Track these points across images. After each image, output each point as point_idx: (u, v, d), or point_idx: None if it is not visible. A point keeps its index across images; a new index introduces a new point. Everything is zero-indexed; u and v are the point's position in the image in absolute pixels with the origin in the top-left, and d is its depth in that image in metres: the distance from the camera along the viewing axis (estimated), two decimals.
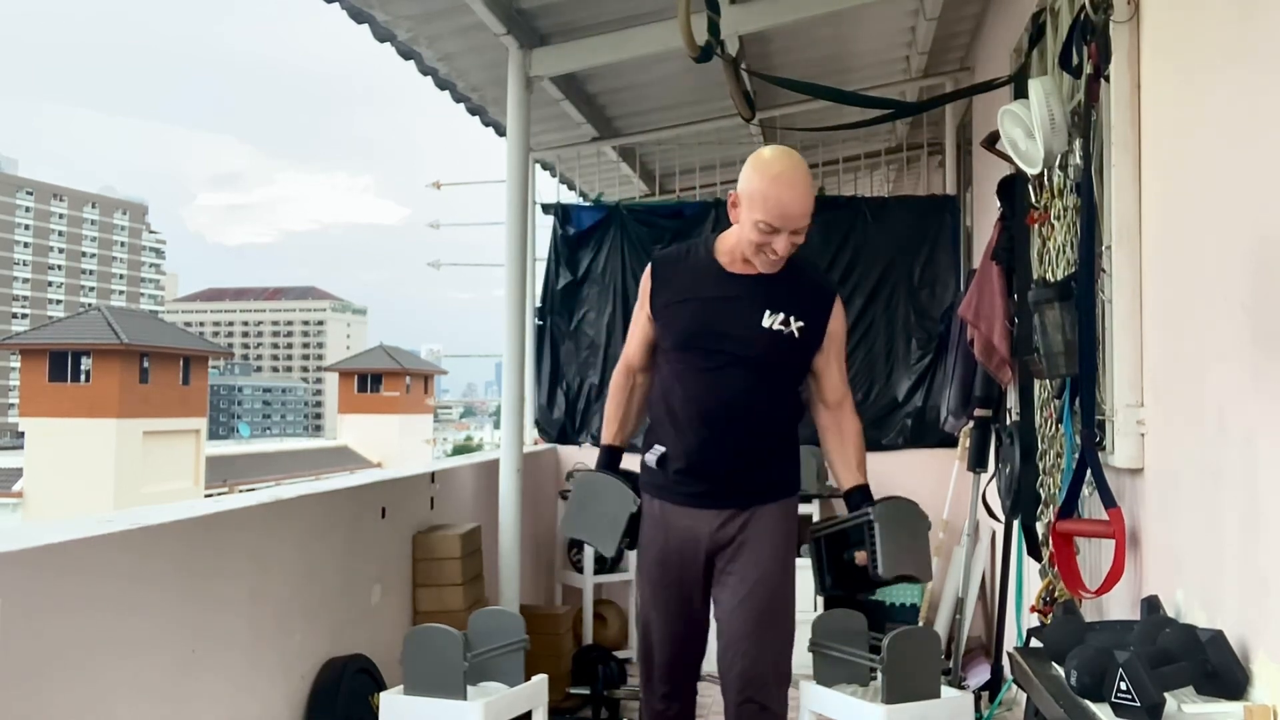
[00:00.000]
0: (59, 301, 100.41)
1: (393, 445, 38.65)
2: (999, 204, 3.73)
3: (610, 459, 2.85)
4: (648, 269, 2.79)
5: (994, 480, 3.65)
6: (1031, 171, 2.92)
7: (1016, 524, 3.46)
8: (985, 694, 3.98)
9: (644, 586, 2.75)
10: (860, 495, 2.74)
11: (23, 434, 30.19)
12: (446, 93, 5.07)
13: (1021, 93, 3.10)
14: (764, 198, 2.53)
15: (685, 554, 2.67)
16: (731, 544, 2.66)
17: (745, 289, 2.63)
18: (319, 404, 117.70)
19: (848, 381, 2.80)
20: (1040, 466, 3.08)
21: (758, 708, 2.59)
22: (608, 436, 2.88)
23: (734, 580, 2.65)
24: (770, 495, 2.72)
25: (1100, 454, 2.42)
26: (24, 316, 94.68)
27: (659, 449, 2.71)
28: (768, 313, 2.61)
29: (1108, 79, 2.43)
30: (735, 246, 2.64)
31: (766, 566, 2.66)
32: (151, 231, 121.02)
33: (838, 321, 2.71)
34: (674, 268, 2.74)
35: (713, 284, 2.65)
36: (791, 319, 2.62)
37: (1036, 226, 3.18)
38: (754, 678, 2.59)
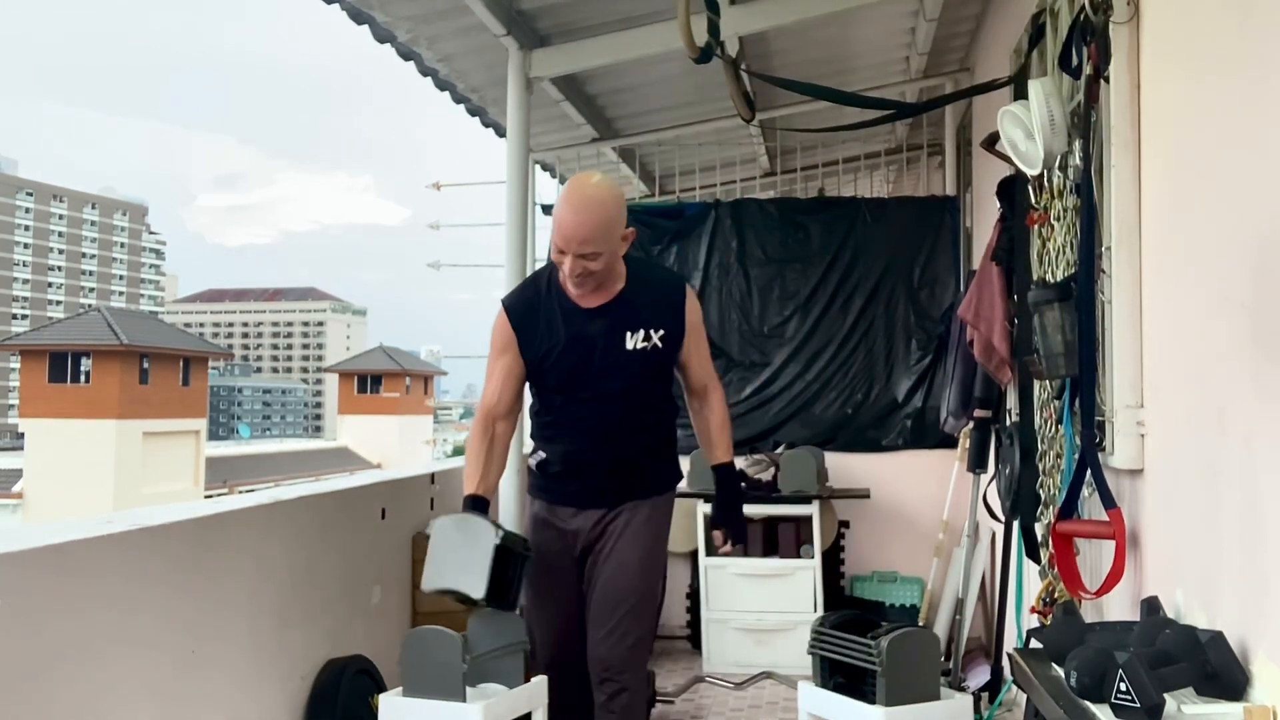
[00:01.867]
0: (59, 302, 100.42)
1: (392, 446, 38.64)
2: (999, 204, 3.73)
3: (475, 508, 2.70)
4: (502, 317, 2.80)
5: (994, 481, 3.65)
6: (1031, 172, 2.92)
7: (1016, 525, 3.46)
8: (985, 695, 3.98)
9: (527, 589, 2.81)
10: (724, 471, 2.94)
11: (23, 435, 30.19)
12: (446, 93, 5.07)
13: (1021, 93, 3.10)
14: (554, 220, 2.64)
15: (563, 556, 2.83)
16: (603, 537, 2.81)
17: (602, 320, 2.73)
18: (319, 405, 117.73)
19: (711, 365, 2.91)
20: (1040, 467, 3.08)
21: (616, 687, 2.77)
22: (470, 486, 2.72)
23: (599, 570, 2.81)
24: (644, 492, 2.85)
25: (1100, 454, 2.41)
26: (24, 317, 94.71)
27: (540, 454, 2.87)
28: (629, 335, 2.72)
29: (1108, 80, 2.42)
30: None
31: (626, 557, 2.77)
32: (151, 232, 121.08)
33: (693, 313, 2.82)
34: (530, 315, 2.77)
35: (571, 323, 2.73)
36: (651, 332, 2.74)
37: (1036, 227, 3.17)
38: (612, 663, 2.76)
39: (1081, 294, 2.41)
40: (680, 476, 3.04)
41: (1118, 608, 2.43)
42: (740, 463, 5.25)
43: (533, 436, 2.95)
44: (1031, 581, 3.36)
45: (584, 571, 2.86)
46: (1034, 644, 2.20)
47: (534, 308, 2.77)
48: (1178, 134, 2.18)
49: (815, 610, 4.80)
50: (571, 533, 2.84)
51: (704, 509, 5.02)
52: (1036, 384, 3.10)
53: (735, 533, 2.91)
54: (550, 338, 2.74)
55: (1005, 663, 3.86)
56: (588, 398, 2.77)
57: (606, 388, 2.75)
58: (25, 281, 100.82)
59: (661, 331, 2.75)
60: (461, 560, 2.57)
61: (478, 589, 2.55)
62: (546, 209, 6.04)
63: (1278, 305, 1.65)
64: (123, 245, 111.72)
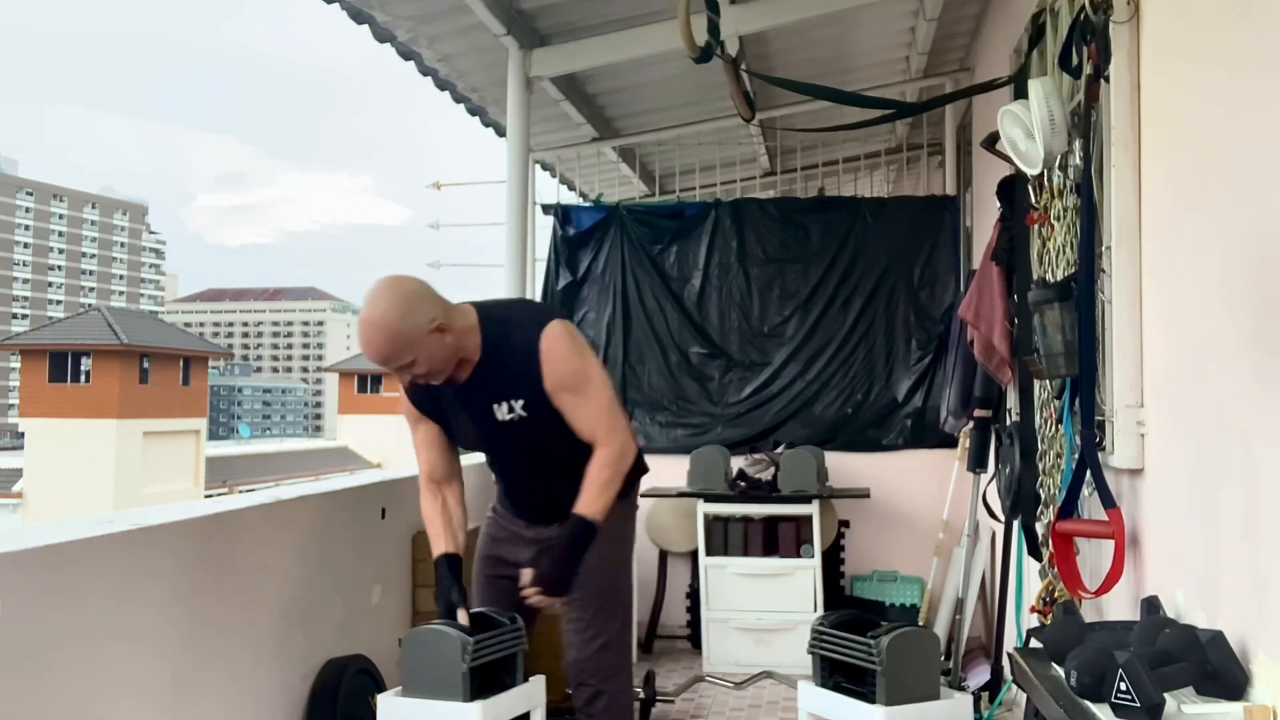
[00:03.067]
0: (59, 302, 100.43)
1: (393, 446, 38.59)
2: (999, 204, 3.73)
3: (450, 566, 2.74)
4: (404, 398, 2.83)
5: (994, 480, 3.65)
6: (1031, 172, 2.92)
7: (1016, 524, 3.46)
8: (985, 694, 3.98)
9: (472, 584, 2.93)
10: (573, 519, 2.66)
11: (23, 434, 30.17)
12: (446, 93, 5.07)
13: (1021, 93, 3.10)
14: None
15: (507, 558, 2.87)
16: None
17: (470, 396, 2.70)
18: (319, 404, 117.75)
19: (604, 415, 2.68)
20: (1040, 467, 3.08)
21: (591, 690, 2.82)
22: (439, 547, 2.78)
23: None
24: None
25: (1100, 454, 2.41)
26: (24, 317, 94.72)
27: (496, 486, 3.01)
28: (494, 407, 2.69)
29: (1108, 79, 2.43)
30: None
31: (589, 566, 2.72)
32: (151, 232, 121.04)
33: (557, 369, 2.64)
34: (425, 393, 2.76)
35: (452, 402, 2.75)
36: (513, 403, 2.67)
37: (1036, 227, 3.17)
38: (584, 665, 2.82)
39: (1081, 294, 2.41)
40: (629, 484, 2.85)
41: (1118, 607, 2.43)
42: (740, 462, 5.27)
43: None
44: (1031, 581, 3.36)
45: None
46: (1034, 643, 2.20)
47: (426, 387, 2.74)
48: (1177, 133, 2.18)
49: (815, 610, 4.81)
50: (528, 539, 2.88)
51: (704, 508, 5.02)
52: (1036, 383, 3.10)
53: (544, 582, 2.65)
54: (445, 413, 2.79)
55: (1005, 662, 3.86)
56: (498, 458, 2.90)
57: (507, 452, 2.84)
58: (25, 281, 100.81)
59: (521, 401, 2.66)
60: (437, 669, 2.56)
61: (464, 695, 2.54)
62: (546, 209, 6.05)
63: (1277, 305, 1.65)
64: (123, 245, 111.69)
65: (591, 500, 2.64)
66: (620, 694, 2.87)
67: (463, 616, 2.63)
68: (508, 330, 2.68)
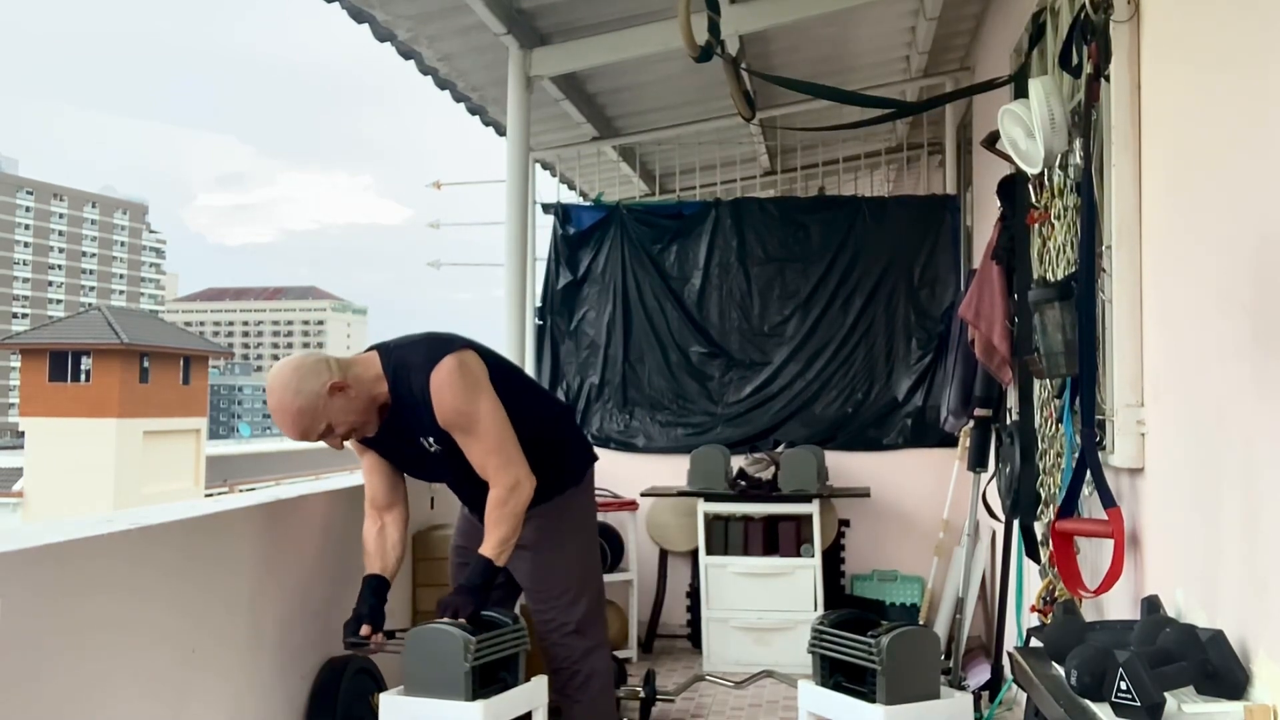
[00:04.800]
0: (59, 301, 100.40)
1: None
2: (999, 204, 3.73)
3: (373, 586, 2.91)
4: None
5: (994, 480, 3.65)
6: (1031, 171, 2.92)
7: (1016, 524, 3.46)
8: (985, 694, 3.98)
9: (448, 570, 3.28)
10: (478, 561, 2.82)
11: (23, 434, 30.19)
12: (446, 92, 5.07)
13: (1021, 92, 3.10)
14: None
15: (472, 547, 2.94)
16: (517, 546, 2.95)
17: (396, 436, 2.88)
18: None
19: (496, 454, 2.81)
20: (1040, 466, 3.08)
21: (568, 673, 3.06)
22: (371, 567, 2.96)
23: (520, 576, 3.09)
24: (535, 506, 2.92)
25: (1100, 454, 2.41)
26: (24, 316, 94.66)
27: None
28: (421, 440, 2.87)
29: (1108, 79, 2.43)
30: None
31: (540, 558, 3.03)
32: (152, 231, 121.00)
33: (442, 408, 2.76)
34: (365, 440, 2.95)
35: (388, 441, 2.93)
36: (428, 440, 2.85)
37: (1036, 226, 3.17)
38: (554, 653, 3.07)
39: (1082, 293, 2.41)
40: (568, 478, 3.11)
41: (1118, 607, 2.43)
42: (740, 462, 5.28)
43: None
44: (1031, 580, 3.36)
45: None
46: (1034, 643, 2.20)
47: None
48: (1178, 133, 2.18)
49: (815, 609, 4.81)
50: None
51: (704, 507, 5.03)
52: (1037, 383, 3.10)
53: (443, 607, 2.79)
54: (388, 446, 2.96)
55: (1005, 661, 3.86)
56: (440, 480, 3.17)
57: (446, 475, 3.06)
58: (25, 280, 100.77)
59: (432, 438, 2.84)
60: (436, 666, 2.64)
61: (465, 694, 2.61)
62: (546, 208, 6.05)
63: (1277, 305, 1.65)
64: (123, 244, 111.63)
65: (493, 545, 2.79)
66: (597, 672, 3.09)
67: (364, 630, 2.80)
68: (407, 374, 2.81)
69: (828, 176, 7.15)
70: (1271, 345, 1.67)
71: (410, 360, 2.80)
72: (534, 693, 2.76)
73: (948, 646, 4.54)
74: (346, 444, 2.86)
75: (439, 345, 2.84)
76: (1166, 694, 1.60)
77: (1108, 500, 2.30)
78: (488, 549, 2.79)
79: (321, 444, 2.82)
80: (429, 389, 2.74)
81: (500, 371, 2.95)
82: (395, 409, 2.82)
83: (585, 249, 5.93)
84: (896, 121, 6.33)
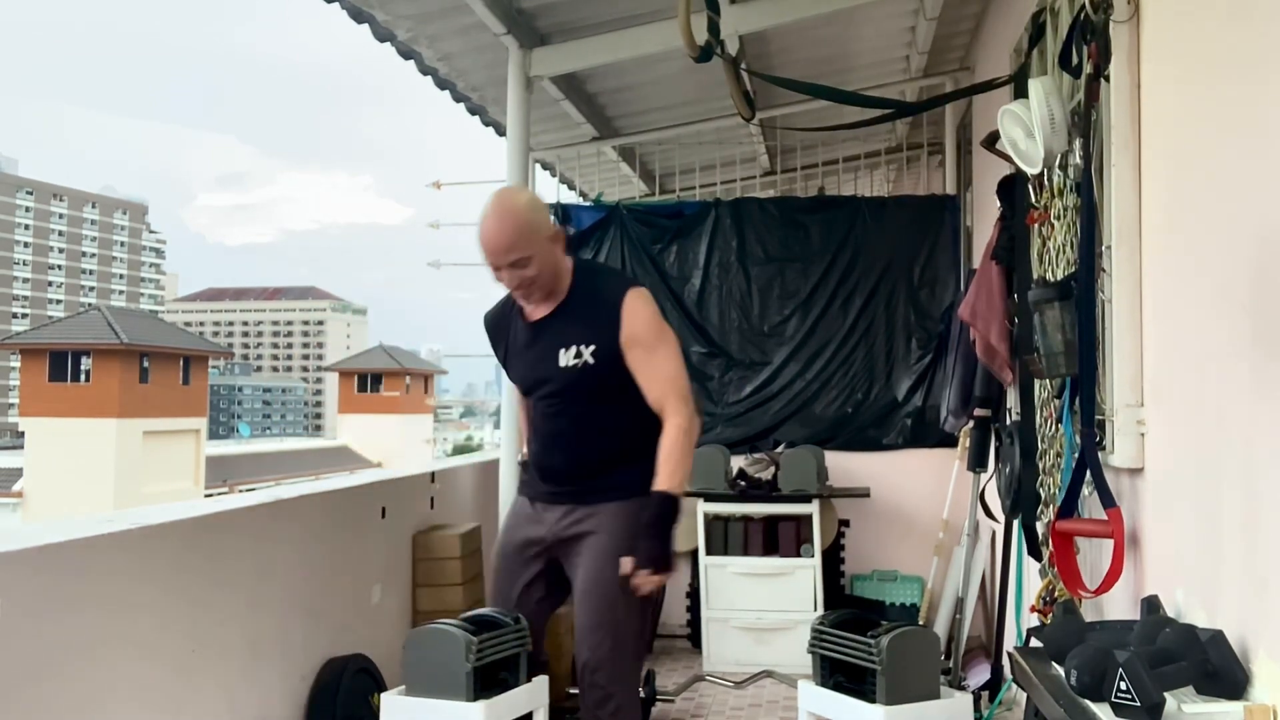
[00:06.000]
0: (59, 301, 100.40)
1: (393, 445, 38.61)
2: (999, 204, 3.73)
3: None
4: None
5: (994, 480, 3.65)
6: (1031, 171, 2.92)
7: (1016, 524, 3.46)
8: (985, 694, 3.98)
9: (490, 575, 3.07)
10: (656, 496, 2.68)
11: (23, 434, 30.18)
12: (446, 92, 5.07)
13: (1021, 92, 3.10)
14: (478, 241, 2.72)
15: (524, 553, 2.87)
16: (576, 539, 2.82)
17: (541, 334, 2.81)
18: (319, 404, 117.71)
19: (673, 385, 2.74)
20: (1040, 466, 3.08)
21: (601, 692, 2.78)
22: (524, 442, 3.08)
23: (579, 575, 2.82)
24: (610, 496, 2.80)
25: (1100, 454, 2.41)
26: (24, 316, 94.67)
27: (524, 452, 3.08)
28: (562, 351, 2.76)
29: (1108, 79, 2.43)
30: None
31: (602, 564, 2.75)
32: (151, 231, 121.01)
33: (635, 325, 2.73)
34: (496, 327, 2.97)
35: (520, 335, 2.87)
36: (583, 348, 2.75)
37: (1036, 226, 3.18)
38: (592, 664, 2.78)
39: (1082, 293, 2.41)
40: (645, 484, 2.76)
41: (1118, 607, 2.43)
42: (740, 462, 5.27)
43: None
44: (1031, 580, 3.36)
45: (553, 568, 2.89)
46: (1034, 643, 2.20)
47: (503, 314, 2.94)
48: (1178, 133, 2.18)
49: (815, 609, 4.81)
50: (540, 532, 2.87)
51: (704, 507, 5.02)
52: (1037, 383, 3.10)
53: (642, 559, 2.65)
54: (509, 347, 2.92)
55: (1005, 661, 3.86)
56: (544, 405, 2.88)
57: (553, 398, 2.84)
58: (25, 280, 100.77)
59: (593, 347, 2.73)
60: (435, 666, 2.61)
61: (467, 695, 2.58)
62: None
63: (1277, 305, 1.66)
64: (123, 244, 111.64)
65: (669, 474, 2.68)
66: (630, 702, 2.86)
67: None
68: (596, 279, 2.85)
69: (827, 176, 7.15)
70: (1271, 345, 1.67)
71: (602, 271, 2.88)
72: (536, 692, 2.76)
73: (948, 646, 4.54)
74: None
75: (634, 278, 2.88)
76: (1166, 694, 1.60)
77: (1107, 500, 2.30)
78: (673, 481, 2.65)
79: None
80: (623, 299, 2.74)
81: None
82: (566, 304, 2.78)
83: (585, 249, 5.92)
84: (896, 121, 6.32)
